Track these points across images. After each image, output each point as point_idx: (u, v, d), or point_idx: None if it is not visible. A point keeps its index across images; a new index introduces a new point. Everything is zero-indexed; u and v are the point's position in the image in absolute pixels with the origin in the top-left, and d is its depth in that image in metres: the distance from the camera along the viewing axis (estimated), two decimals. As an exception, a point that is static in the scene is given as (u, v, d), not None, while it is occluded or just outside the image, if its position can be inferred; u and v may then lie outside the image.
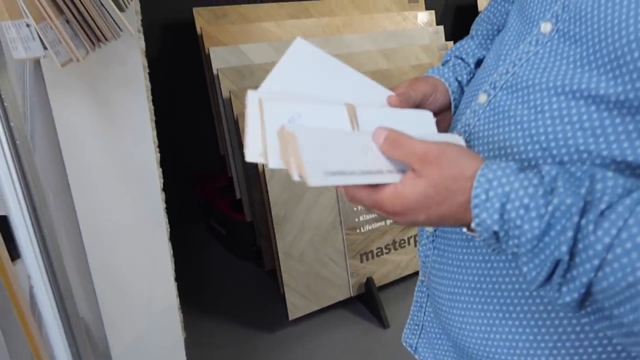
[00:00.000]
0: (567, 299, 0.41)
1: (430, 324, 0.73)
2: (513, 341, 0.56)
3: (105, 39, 0.75)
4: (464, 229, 0.48)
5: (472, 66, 0.73)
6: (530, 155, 0.50)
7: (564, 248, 0.40)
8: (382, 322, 1.94)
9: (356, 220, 1.99)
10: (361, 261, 2.03)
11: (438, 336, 0.71)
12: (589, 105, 0.46)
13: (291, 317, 1.92)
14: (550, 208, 0.41)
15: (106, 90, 0.95)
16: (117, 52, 0.92)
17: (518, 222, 0.42)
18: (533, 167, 0.45)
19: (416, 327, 0.76)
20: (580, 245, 0.39)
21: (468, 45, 0.76)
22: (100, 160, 1.01)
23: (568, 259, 0.40)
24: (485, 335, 0.59)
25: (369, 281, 2.02)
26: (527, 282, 0.44)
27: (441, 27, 2.48)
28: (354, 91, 0.64)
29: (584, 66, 0.47)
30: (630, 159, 0.44)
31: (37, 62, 0.94)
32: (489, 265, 0.57)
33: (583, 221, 0.39)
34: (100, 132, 0.98)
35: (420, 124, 0.60)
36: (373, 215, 2.01)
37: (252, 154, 0.53)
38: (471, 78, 0.72)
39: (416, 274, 2.18)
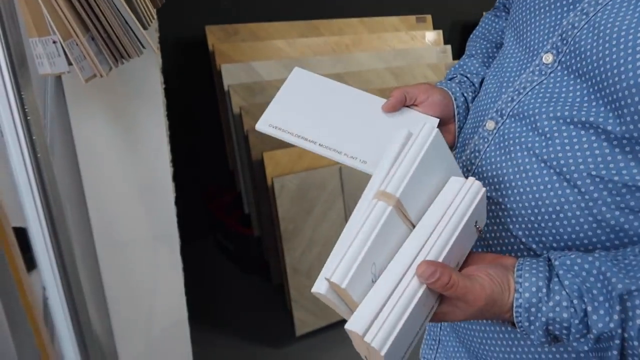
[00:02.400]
0: None
1: (447, 338, 0.73)
2: (536, 353, 0.57)
3: (129, 56, 0.78)
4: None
5: (477, 85, 0.75)
6: (547, 179, 0.52)
7: None
8: (389, 340, 1.93)
9: (364, 236, 1.99)
10: (368, 278, 2.02)
11: (456, 349, 0.71)
12: (598, 135, 0.48)
13: (298, 333, 1.91)
14: (591, 336, 0.45)
15: (124, 105, 0.97)
16: (136, 68, 0.94)
17: (564, 338, 0.47)
18: (555, 271, 0.48)
19: (433, 342, 0.76)
20: (628, 351, 0.44)
21: (472, 64, 0.77)
22: (117, 174, 1.02)
23: None
24: (507, 349, 0.59)
25: (376, 298, 2.01)
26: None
27: (449, 47, 2.51)
28: (353, 105, 0.67)
29: (591, 101, 0.49)
30: None
31: (58, 78, 0.96)
32: None
33: (626, 334, 0.44)
34: (117, 146, 1.00)
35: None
36: (381, 232, 2.02)
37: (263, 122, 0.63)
38: (475, 96, 0.73)
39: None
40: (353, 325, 0.44)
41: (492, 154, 0.58)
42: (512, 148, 0.55)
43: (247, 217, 2.14)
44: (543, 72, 0.55)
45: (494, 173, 0.57)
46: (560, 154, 0.50)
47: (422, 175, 0.50)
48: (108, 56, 0.76)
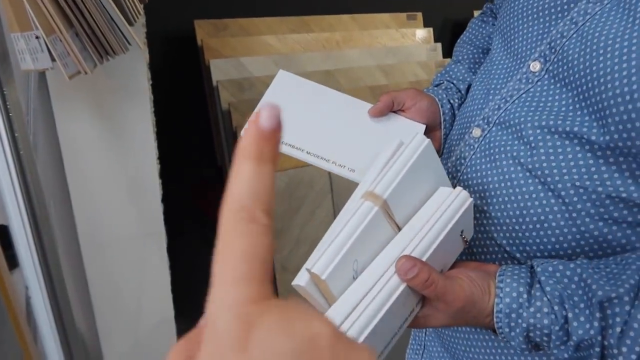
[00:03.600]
0: None
1: (432, 343, 0.73)
2: None
3: (114, 53, 0.76)
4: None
5: (463, 92, 0.75)
6: (531, 188, 0.51)
7: None
8: (377, 337, 1.94)
9: (352, 234, 1.99)
10: (356, 275, 2.03)
11: (440, 355, 0.71)
12: (582, 145, 0.48)
13: (285, 330, 1.91)
14: (571, 343, 0.45)
15: (110, 102, 0.95)
16: (122, 65, 0.92)
17: (545, 344, 0.47)
18: (536, 278, 0.48)
19: (419, 347, 0.76)
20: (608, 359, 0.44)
21: (458, 70, 0.77)
22: (102, 172, 1.01)
23: None
24: (491, 357, 0.59)
25: (364, 296, 2.02)
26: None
27: (439, 45, 2.51)
28: (340, 111, 0.67)
29: (576, 110, 0.49)
30: (624, 195, 0.46)
31: (42, 73, 0.94)
32: None
33: (606, 342, 0.44)
34: (103, 143, 0.98)
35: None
36: (369, 230, 2.02)
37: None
38: (462, 103, 0.73)
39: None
40: (330, 315, 0.44)
41: (478, 161, 0.58)
42: (497, 156, 0.55)
43: (235, 214, 2.13)
44: (530, 81, 0.55)
45: (479, 181, 0.57)
46: (544, 164, 0.50)
47: (410, 181, 0.50)
48: (93, 53, 0.75)
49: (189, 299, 2.09)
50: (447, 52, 2.56)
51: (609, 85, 0.44)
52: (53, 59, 0.76)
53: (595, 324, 0.43)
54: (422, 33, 2.53)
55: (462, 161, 0.60)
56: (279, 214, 1.83)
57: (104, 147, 0.98)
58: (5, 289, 0.91)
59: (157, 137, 1.14)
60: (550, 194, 0.50)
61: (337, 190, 1.93)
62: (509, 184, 0.53)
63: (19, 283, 0.97)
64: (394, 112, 0.68)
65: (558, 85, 0.51)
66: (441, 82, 0.77)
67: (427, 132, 0.68)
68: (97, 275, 1.10)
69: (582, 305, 0.45)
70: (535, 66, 0.54)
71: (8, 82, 0.81)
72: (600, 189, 0.47)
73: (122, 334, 1.19)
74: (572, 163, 0.48)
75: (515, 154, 0.53)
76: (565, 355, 0.45)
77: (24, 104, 0.91)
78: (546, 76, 0.53)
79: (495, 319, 0.47)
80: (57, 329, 0.98)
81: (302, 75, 0.68)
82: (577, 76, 0.48)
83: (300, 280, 0.47)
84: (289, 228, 1.85)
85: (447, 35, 2.78)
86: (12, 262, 0.93)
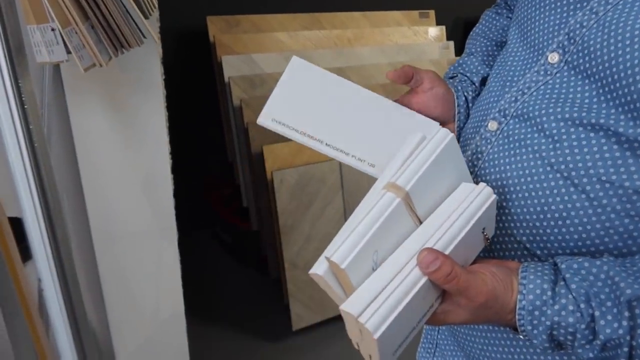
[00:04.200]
0: None
1: (445, 342, 0.72)
2: None
3: (129, 46, 0.76)
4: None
5: (477, 85, 0.73)
6: (553, 183, 0.50)
7: None
8: (386, 336, 1.93)
9: (362, 232, 1.98)
10: (366, 273, 2.02)
11: (454, 353, 0.70)
12: (609, 138, 0.47)
13: (295, 327, 1.91)
14: (598, 342, 0.44)
15: (124, 96, 0.95)
16: (136, 58, 0.92)
17: (569, 344, 0.46)
18: (561, 275, 0.47)
19: (430, 346, 0.75)
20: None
21: (471, 62, 0.75)
22: (115, 165, 1.01)
23: None
24: (510, 357, 0.58)
25: (374, 294, 2.01)
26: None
27: (451, 42, 2.49)
28: (355, 103, 0.65)
29: (600, 102, 0.48)
30: None
31: (56, 66, 0.94)
32: None
33: (634, 342, 0.43)
34: (116, 137, 0.98)
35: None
36: (379, 228, 2.01)
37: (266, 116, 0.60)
38: (475, 96, 0.72)
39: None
40: (348, 306, 0.43)
41: (496, 155, 0.56)
42: (517, 151, 0.54)
43: (245, 211, 2.13)
44: (548, 72, 0.53)
45: (498, 176, 0.55)
46: (568, 158, 0.49)
47: (433, 175, 0.49)
48: (108, 45, 0.75)
49: (199, 295, 2.10)
50: (460, 50, 2.54)
51: (638, 77, 0.43)
52: (68, 52, 0.76)
53: (624, 322, 0.42)
54: (435, 31, 2.52)
55: (480, 155, 0.58)
56: (289, 210, 1.83)
57: (117, 141, 0.98)
58: (19, 281, 0.92)
59: (168, 132, 1.14)
60: (573, 189, 0.49)
61: (348, 187, 1.92)
62: (529, 179, 0.52)
63: (32, 275, 0.97)
64: (410, 93, 0.66)
65: (579, 77, 0.50)
66: (455, 74, 0.75)
67: (444, 125, 0.67)
68: (109, 268, 1.10)
69: (609, 304, 0.44)
70: (554, 57, 0.53)
71: (23, 74, 0.81)
72: (627, 183, 0.46)
73: (133, 327, 1.19)
74: (597, 156, 0.47)
75: (536, 147, 0.52)
76: (591, 355, 0.44)
77: (39, 97, 0.91)
78: (565, 67, 0.52)
79: (517, 317, 0.46)
80: (69, 321, 0.98)
81: None
82: (600, 67, 0.47)
83: (318, 269, 0.46)
84: (299, 224, 1.85)
85: (460, 33, 2.77)
86: (26, 254, 0.94)
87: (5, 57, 0.78)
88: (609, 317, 0.43)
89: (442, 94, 0.67)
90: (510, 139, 0.55)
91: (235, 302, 2.17)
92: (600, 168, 0.47)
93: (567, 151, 0.49)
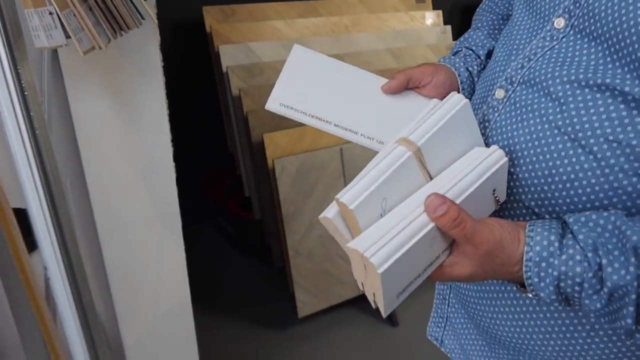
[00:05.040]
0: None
1: (455, 315, 0.72)
2: (549, 326, 0.56)
3: (128, 27, 0.76)
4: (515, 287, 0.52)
5: (483, 58, 0.74)
6: (560, 146, 0.50)
7: (629, 320, 0.43)
8: (392, 321, 1.93)
9: (365, 218, 1.98)
10: (370, 259, 2.02)
11: (464, 326, 0.71)
12: (615, 97, 0.47)
13: (300, 315, 1.91)
14: (605, 289, 0.44)
15: (123, 80, 0.95)
16: (135, 42, 0.92)
17: (576, 295, 0.45)
18: (567, 227, 0.48)
19: (441, 320, 0.76)
20: None
21: (477, 36, 0.76)
22: (117, 151, 1.01)
23: (635, 323, 0.43)
24: (519, 323, 0.58)
25: (378, 279, 2.01)
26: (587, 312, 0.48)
27: (449, 27, 2.48)
28: (358, 85, 0.67)
29: (606, 63, 0.48)
30: None
31: (54, 51, 0.94)
32: None
33: None
34: (117, 122, 0.98)
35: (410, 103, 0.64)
36: (382, 213, 2.01)
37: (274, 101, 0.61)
38: (481, 70, 0.72)
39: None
40: (355, 244, 0.44)
41: (503, 122, 0.56)
42: (524, 116, 0.54)
43: (247, 200, 2.13)
44: (554, 37, 0.54)
45: (506, 142, 0.55)
46: (575, 119, 0.49)
47: (446, 136, 0.50)
48: (106, 27, 0.74)
49: (204, 285, 2.10)
50: (457, 35, 2.53)
51: None
52: (67, 36, 0.75)
53: (631, 269, 0.42)
54: (432, 16, 2.51)
55: (487, 124, 0.59)
56: (291, 198, 1.83)
57: (119, 126, 0.98)
58: (25, 271, 0.92)
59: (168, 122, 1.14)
60: (580, 150, 0.49)
61: (350, 173, 1.92)
62: (536, 143, 0.52)
63: (38, 265, 0.98)
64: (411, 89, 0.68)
65: (585, 40, 0.50)
66: (459, 49, 0.76)
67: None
68: (114, 257, 1.10)
69: (616, 252, 0.44)
70: (560, 22, 0.53)
71: (22, 60, 0.80)
72: (634, 142, 0.46)
73: (140, 316, 1.19)
74: (604, 116, 0.47)
75: (543, 111, 0.52)
76: (598, 306, 0.44)
77: (38, 83, 0.91)
78: (571, 32, 0.52)
79: (524, 268, 0.46)
80: (76, 309, 0.98)
81: None
82: (605, 29, 0.47)
83: (328, 212, 0.48)
84: (301, 212, 1.85)
85: (457, 18, 2.76)
86: (31, 245, 0.94)
87: (3, 43, 0.78)
88: (616, 265, 0.43)
89: (442, 81, 0.68)
90: (517, 105, 0.55)
91: (240, 291, 2.18)
92: (607, 128, 0.47)
93: (573, 113, 0.49)
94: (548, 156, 0.51)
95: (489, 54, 0.75)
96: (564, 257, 0.45)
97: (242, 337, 1.91)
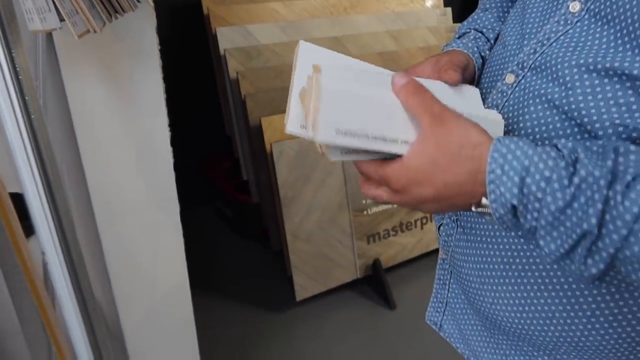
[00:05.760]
0: (593, 270, 0.41)
1: (455, 300, 0.73)
2: (549, 312, 0.56)
3: (123, 10, 0.74)
4: (473, 208, 0.47)
5: (492, 42, 0.72)
6: (568, 131, 0.49)
7: (593, 220, 0.39)
8: (389, 304, 1.95)
9: (363, 202, 1.98)
10: (368, 243, 2.03)
11: (464, 311, 0.71)
12: (622, 82, 0.46)
13: (298, 298, 1.93)
14: (575, 180, 0.40)
15: (120, 64, 0.94)
16: (131, 25, 0.90)
17: (539, 195, 0.41)
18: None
19: (440, 305, 0.76)
20: (607, 217, 0.39)
21: (487, 19, 0.74)
22: (114, 136, 1.00)
23: (597, 232, 0.40)
24: (520, 308, 0.58)
25: (376, 263, 2.03)
26: (545, 255, 0.43)
27: (449, 9, 2.45)
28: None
29: (617, 46, 0.47)
30: None
31: (49, 35, 0.93)
32: (521, 239, 0.56)
33: (610, 193, 0.39)
34: (114, 106, 0.97)
35: (468, 98, 0.59)
36: (380, 197, 2.01)
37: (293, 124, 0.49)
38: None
39: (422, 256, 2.18)
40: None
41: (511, 108, 0.56)
42: (531, 102, 0.53)
43: (245, 184, 2.13)
44: (569, 22, 0.52)
45: (513, 127, 0.55)
46: (582, 104, 0.48)
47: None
48: (101, 10, 0.73)
49: (202, 268, 2.11)
50: (457, 17, 2.50)
51: None
52: (61, 19, 0.74)
53: (609, 162, 0.40)
54: (432, -3, 2.48)
55: (495, 109, 0.58)
56: (289, 182, 1.82)
57: (115, 110, 0.97)
58: (23, 255, 0.92)
59: (166, 106, 1.13)
60: (587, 135, 0.48)
61: (348, 158, 1.91)
62: (543, 128, 0.51)
63: (36, 251, 0.97)
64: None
65: (599, 23, 0.49)
66: (468, 30, 0.73)
67: None
68: (111, 240, 1.10)
69: (594, 149, 0.42)
70: (575, 6, 0.52)
71: (16, 44, 0.79)
72: None
73: (138, 300, 1.20)
74: (611, 101, 0.46)
75: (550, 97, 0.51)
76: (560, 204, 0.40)
77: (33, 68, 0.89)
78: (586, 16, 0.51)
79: (489, 159, 0.43)
80: (75, 293, 0.99)
81: (310, 42, 0.60)
82: (621, 10, 0.46)
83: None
84: (299, 196, 1.85)
85: (457, 0, 2.72)
86: (29, 230, 0.94)
87: (-4, 26, 0.77)
88: (594, 157, 0.41)
89: (469, 72, 0.65)
90: (526, 90, 0.54)
91: (238, 274, 2.19)
92: (614, 113, 0.46)
93: (580, 98, 0.48)
94: (555, 141, 0.51)
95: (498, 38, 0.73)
96: (539, 149, 0.43)
97: (240, 320, 1.93)
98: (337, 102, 0.42)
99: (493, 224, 0.60)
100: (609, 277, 0.51)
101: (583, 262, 0.41)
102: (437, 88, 0.53)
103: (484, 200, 0.45)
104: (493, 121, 0.52)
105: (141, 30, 0.92)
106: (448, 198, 0.46)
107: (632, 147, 0.40)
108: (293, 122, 0.49)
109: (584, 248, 0.41)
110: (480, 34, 0.72)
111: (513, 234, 0.57)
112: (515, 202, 0.42)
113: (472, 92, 0.59)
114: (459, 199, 0.46)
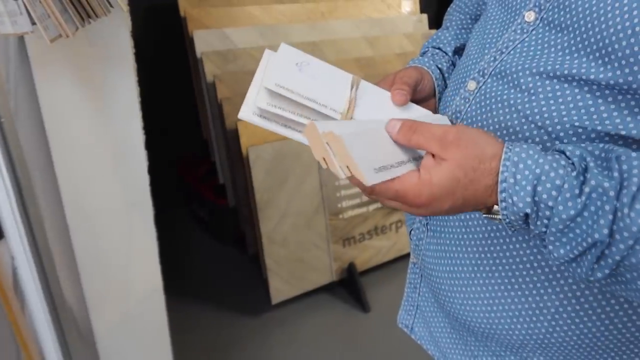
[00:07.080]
0: (599, 274, 0.43)
1: (425, 304, 0.75)
2: (516, 311, 0.58)
3: (96, 15, 0.74)
4: (483, 213, 0.49)
5: (450, 54, 0.76)
6: (527, 134, 0.52)
7: (605, 231, 0.41)
8: (363, 307, 1.96)
9: (339, 206, 2.00)
10: (343, 246, 2.04)
11: (434, 314, 0.73)
12: (581, 87, 0.48)
13: (274, 301, 1.93)
14: (586, 189, 0.41)
15: (93, 69, 0.94)
16: (104, 29, 0.90)
17: (550, 203, 0.43)
18: (551, 147, 0.47)
19: (411, 308, 0.78)
20: (615, 227, 0.41)
21: (444, 36, 0.78)
22: (86, 140, 1.00)
23: (608, 241, 0.41)
24: (488, 308, 0.61)
25: (351, 266, 2.04)
26: (552, 258, 0.45)
27: (425, 15, 2.49)
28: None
29: (572, 53, 0.49)
30: (622, 132, 0.47)
31: (20, 39, 0.92)
32: (489, 241, 0.59)
33: (618, 204, 0.40)
34: (87, 111, 0.97)
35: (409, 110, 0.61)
36: (356, 201, 2.03)
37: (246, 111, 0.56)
38: (450, 66, 0.74)
39: (397, 260, 2.21)
40: (317, 124, 0.45)
41: (473, 113, 0.58)
42: (493, 106, 0.56)
43: (222, 187, 2.13)
44: (525, 30, 0.55)
45: None
46: (544, 109, 0.51)
47: None
48: (74, 14, 0.73)
49: (177, 272, 2.10)
50: (434, 23, 2.54)
51: (610, 23, 0.44)
52: (33, 23, 0.74)
53: (615, 174, 0.41)
54: (408, 4, 2.51)
55: (458, 115, 0.60)
56: (265, 185, 1.83)
57: (88, 115, 0.97)
58: (-9, 260, 0.91)
59: (141, 109, 1.13)
60: (547, 137, 0.51)
61: (324, 162, 1.93)
62: (505, 132, 0.54)
63: (5, 255, 0.96)
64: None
65: (553, 31, 0.52)
66: (426, 50, 0.78)
67: (422, 102, 0.66)
68: (84, 246, 1.09)
69: (602, 157, 0.43)
70: (530, 16, 0.55)
71: (-14, 47, 0.79)
72: (599, 127, 0.47)
73: (111, 304, 1.19)
74: (571, 105, 0.49)
75: (512, 102, 0.54)
76: (572, 213, 0.42)
77: (4, 71, 0.89)
78: (540, 25, 0.54)
79: (501, 168, 0.44)
80: (45, 298, 0.98)
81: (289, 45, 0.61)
82: (575, 19, 0.49)
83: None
84: (275, 200, 1.86)
85: (434, 6, 2.76)
86: (-2, 234, 0.93)
87: (-34, 29, 0.76)
88: (601, 168, 0.43)
89: (426, 85, 0.68)
90: (487, 96, 0.57)
91: (214, 278, 2.18)
92: (574, 116, 0.49)
93: (542, 103, 0.51)
94: (560, 147, 0.52)
95: (457, 51, 0.77)
96: (549, 157, 0.44)
97: (215, 324, 1.92)
98: (359, 143, 0.44)
99: (461, 227, 0.62)
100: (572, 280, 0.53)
101: (590, 267, 0.43)
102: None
103: (495, 207, 0.47)
104: (440, 119, 0.58)
105: (115, 34, 0.92)
106: (461, 208, 0.48)
107: (634, 154, 0.42)
108: (268, 81, 0.53)
109: (594, 255, 0.42)
110: (437, 50, 0.77)
111: (481, 236, 0.59)
112: (528, 210, 0.44)
113: (417, 108, 0.63)
114: (470, 208, 0.48)
